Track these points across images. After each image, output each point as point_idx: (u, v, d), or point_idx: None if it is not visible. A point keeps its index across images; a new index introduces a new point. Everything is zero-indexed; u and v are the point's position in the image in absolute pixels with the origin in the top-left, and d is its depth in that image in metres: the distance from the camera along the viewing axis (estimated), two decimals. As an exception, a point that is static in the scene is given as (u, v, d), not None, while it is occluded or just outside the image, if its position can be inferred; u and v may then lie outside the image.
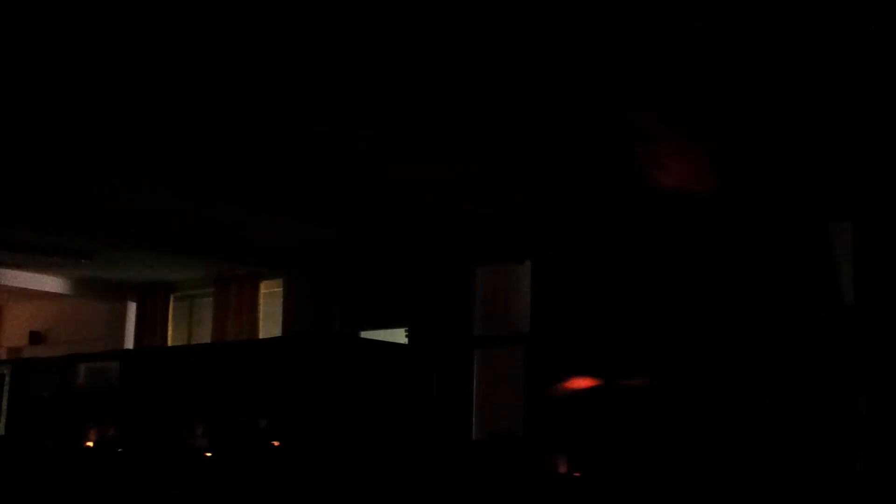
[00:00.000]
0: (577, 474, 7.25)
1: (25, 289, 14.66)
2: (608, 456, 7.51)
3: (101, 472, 7.74)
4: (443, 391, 10.69)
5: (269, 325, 13.55)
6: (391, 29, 6.19)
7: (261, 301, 13.73)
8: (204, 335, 14.53)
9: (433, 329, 11.06)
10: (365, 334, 12.24)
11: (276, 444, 8.87)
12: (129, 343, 15.11)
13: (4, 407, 13.17)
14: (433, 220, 10.05)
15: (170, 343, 14.66)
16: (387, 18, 6.03)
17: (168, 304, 14.83)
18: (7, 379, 13.42)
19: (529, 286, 10.55)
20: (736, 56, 6.39)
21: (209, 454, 9.08)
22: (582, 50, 6.41)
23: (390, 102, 7.37)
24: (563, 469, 7.26)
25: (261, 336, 13.43)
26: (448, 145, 8.18)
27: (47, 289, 14.68)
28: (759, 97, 7.11)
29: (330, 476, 7.17)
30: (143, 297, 15.08)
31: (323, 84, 7.09)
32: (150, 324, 14.89)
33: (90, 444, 10.09)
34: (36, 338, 16.54)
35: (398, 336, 11.66)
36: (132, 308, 15.28)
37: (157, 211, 10.19)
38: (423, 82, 7.06)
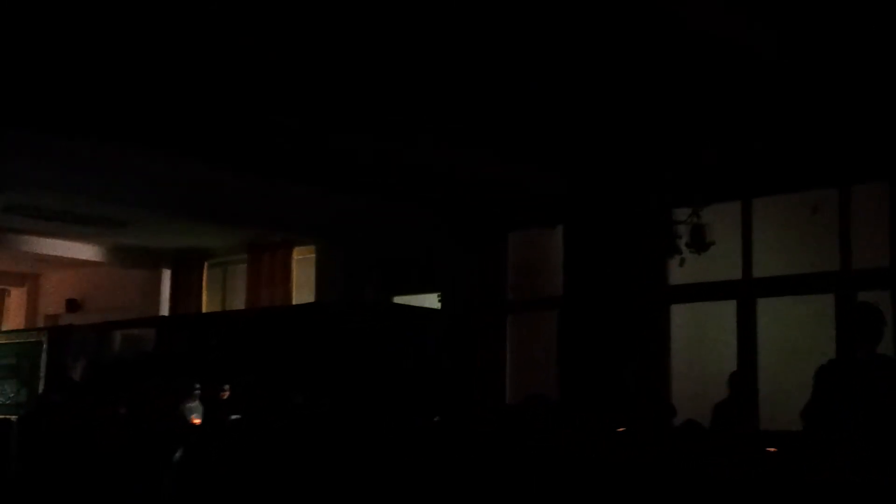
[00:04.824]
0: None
1: (62, 257, 14.80)
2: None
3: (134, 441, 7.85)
4: (476, 355, 10.71)
5: (303, 291, 13.60)
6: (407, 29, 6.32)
7: (294, 267, 13.77)
8: (238, 302, 14.62)
9: (466, 294, 11.07)
10: (398, 300, 12.27)
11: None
12: (165, 310, 15.23)
13: (42, 374, 13.34)
14: (465, 187, 10.04)
15: (204, 310, 14.76)
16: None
17: (202, 272, 14.92)
18: (45, 346, 13.58)
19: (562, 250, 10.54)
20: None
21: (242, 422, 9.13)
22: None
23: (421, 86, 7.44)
24: None
25: (294, 302, 13.48)
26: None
27: (83, 257, 14.82)
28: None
29: (364, 439, 7.21)
30: (177, 264, 15.18)
31: (357, 64, 7.11)
32: (185, 291, 15.00)
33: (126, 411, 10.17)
34: (73, 305, 16.71)
35: (431, 301, 11.68)
36: (167, 275, 15.38)
37: (190, 179, 10.23)
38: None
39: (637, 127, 8.55)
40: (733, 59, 7.04)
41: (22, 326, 16.66)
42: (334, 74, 7.26)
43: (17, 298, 17.85)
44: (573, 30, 6.64)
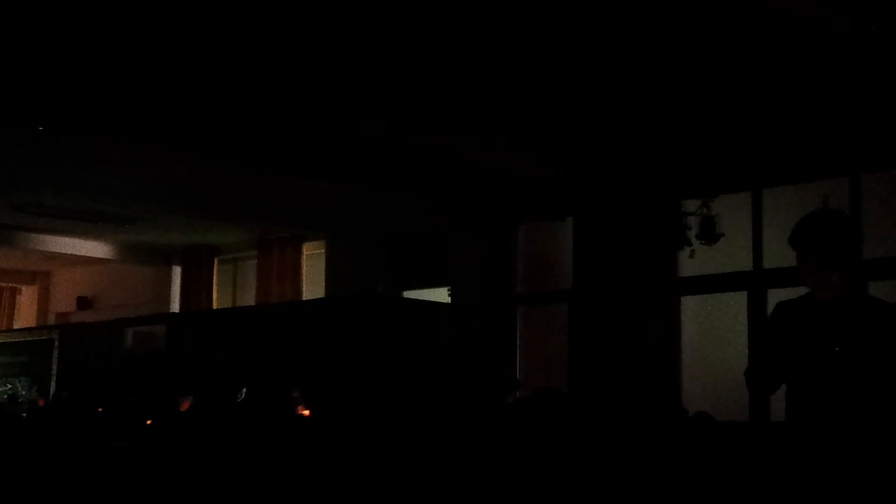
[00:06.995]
0: None
1: (72, 255, 14.83)
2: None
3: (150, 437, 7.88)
4: (486, 349, 10.70)
5: (313, 286, 13.60)
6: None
7: (304, 263, 13.78)
8: (248, 298, 14.62)
9: (476, 288, 11.05)
10: (408, 294, 12.26)
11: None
12: (175, 307, 15.25)
13: (54, 371, 13.38)
14: (474, 180, 10.02)
15: (214, 306, 14.77)
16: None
17: (212, 268, 14.92)
18: (56, 344, 13.63)
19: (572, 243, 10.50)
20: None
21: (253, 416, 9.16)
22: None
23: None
24: None
25: (304, 297, 13.49)
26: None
27: (93, 254, 14.84)
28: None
29: (371, 434, 7.23)
30: (187, 260, 15.19)
31: (365, 56, 7.10)
32: (195, 287, 15.00)
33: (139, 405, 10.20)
34: (83, 303, 16.74)
35: (441, 296, 11.67)
36: (177, 272, 15.39)
37: (199, 176, 10.23)
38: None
39: (646, 119, 8.52)
40: (740, 50, 7.01)
41: (33, 324, 16.72)
42: (341, 66, 7.24)
43: (28, 296, 17.90)
44: (582, 23, 6.62)
